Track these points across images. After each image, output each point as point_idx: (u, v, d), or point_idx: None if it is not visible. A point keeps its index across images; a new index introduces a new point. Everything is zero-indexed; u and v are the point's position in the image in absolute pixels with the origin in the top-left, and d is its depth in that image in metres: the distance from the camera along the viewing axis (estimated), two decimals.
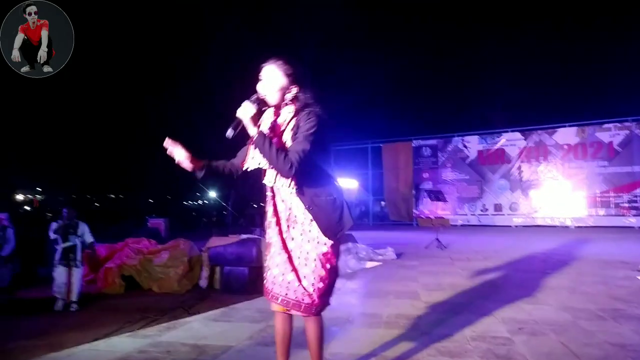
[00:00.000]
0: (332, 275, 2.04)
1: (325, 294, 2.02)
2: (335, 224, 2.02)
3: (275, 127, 2.04)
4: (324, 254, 2.00)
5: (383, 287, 5.00)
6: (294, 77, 2.05)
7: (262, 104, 2.02)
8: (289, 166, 1.88)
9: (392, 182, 19.35)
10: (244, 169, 2.12)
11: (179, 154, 2.09)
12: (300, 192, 2.00)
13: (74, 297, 5.10)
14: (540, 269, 6.02)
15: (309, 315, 2.01)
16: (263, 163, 2.01)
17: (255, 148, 1.99)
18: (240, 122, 1.95)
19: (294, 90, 2.05)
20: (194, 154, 2.14)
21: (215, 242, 6.55)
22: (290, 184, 1.98)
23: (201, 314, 4.08)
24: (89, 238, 5.66)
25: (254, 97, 1.99)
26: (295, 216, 2.04)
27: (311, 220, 2.01)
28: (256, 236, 6.81)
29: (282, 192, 2.06)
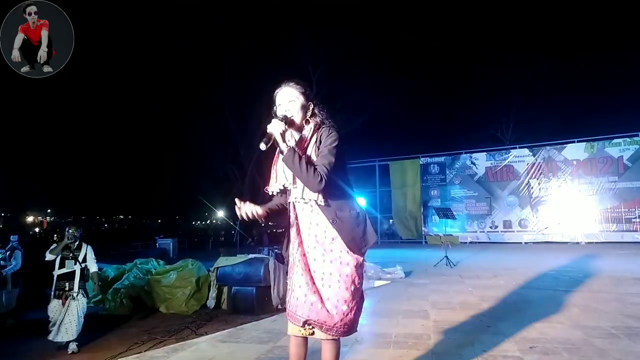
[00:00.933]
0: (356, 297, 2.00)
1: (349, 316, 1.98)
2: (360, 238, 2.02)
3: (298, 145, 2.06)
4: (347, 275, 1.98)
5: (392, 307, 4.95)
6: (309, 95, 2.12)
7: (288, 123, 2.04)
8: (318, 179, 1.90)
9: (400, 200, 19.28)
10: (269, 193, 2.16)
11: (251, 209, 2.14)
12: (325, 205, 2.01)
13: (71, 335, 4.23)
14: (552, 286, 5.93)
15: (332, 337, 1.99)
16: (288, 183, 2.06)
17: (284, 163, 2.00)
18: (271, 136, 1.97)
19: (311, 107, 2.10)
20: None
21: (223, 262, 6.55)
22: (318, 198, 1.99)
23: (209, 334, 4.06)
24: (93, 266, 4.74)
25: (281, 115, 2.03)
26: (316, 235, 2.03)
27: (332, 240, 2.00)
28: (264, 256, 6.80)
29: (305, 211, 2.06)
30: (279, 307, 6.57)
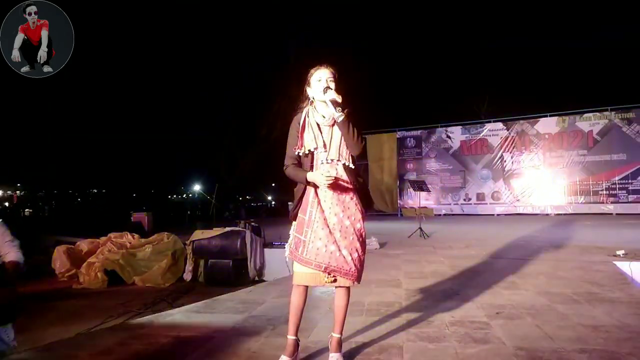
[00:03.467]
0: (364, 248, 2.45)
1: (361, 263, 2.41)
2: (369, 199, 2.56)
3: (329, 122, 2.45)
4: (359, 229, 2.42)
5: (365, 276, 5.01)
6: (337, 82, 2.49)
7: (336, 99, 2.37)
8: (362, 144, 2.40)
9: (377, 173, 19.45)
10: (296, 153, 2.45)
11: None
12: (352, 168, 2.44)
13: None
14: (520, 256, 6.14)
15: (350, 282, 2.37)
16: (319, 147, 2.41)
17: (339, 125, 2.38)
18: (340, 103, 2.35)
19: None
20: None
21: (199, 235, 6.54)
22: (349, 160, 2.42)
23: (184, 306, 4.08)
24: (10, 254, 2.92)
25: (334, 89, 2.39)
26: (339, 193, 2.42)
27: (351, 199, 2.44)
28: (240, 229, 6.81)
29: (330, 173, 2.39)
30: (256, 278, 6.64)
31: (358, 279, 2.39)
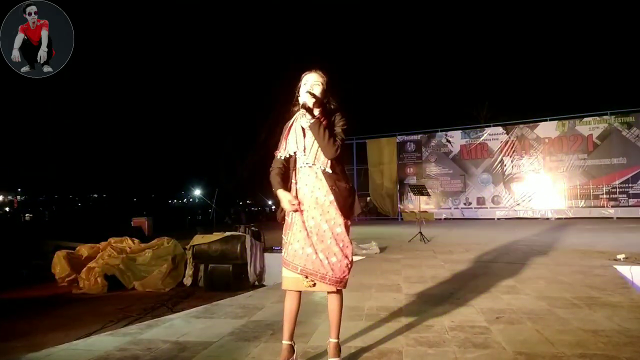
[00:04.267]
0: (344, 254, 2.41)
1: (338, 268, 2.38)
2: (349, 207, 2.46)
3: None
4: (338, 234, 2.41)
5: (365, 281, 5.05)
6: (328, 86, 2.55)
7: (315, 99, 2.42)
8: (336, 147, 2.38)
9: (377, 177, 19.45)
10: (278, 157, 2.51)
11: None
12: (329, 173, 2.43)
13: None
14: (520, 260, 6.13)
15: (327, 285, 2.36)
16: (299, 151, 2.45)
17: (311, 129, 2.40)
18: (304, 104, 2.40)
19: (329, 95, 2.55)
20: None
21: (199, 239, 6.53)
22: (327, 165, 2.42)
23: (184, 311, 4.07)
24: None
25: (312, 91, 2.43)
26: (317, 198, 2.42)
27: (330, 203, 2.42)
28: (240, 233, 6.80)
29: (310, 177, 2.45)
30: (256, 283, 6.63)
31: (338, 284, 2.39)
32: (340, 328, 2.52)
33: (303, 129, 2.48)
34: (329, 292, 2.44)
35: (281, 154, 2.51)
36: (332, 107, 2.56)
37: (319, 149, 2.40)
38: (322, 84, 2.51)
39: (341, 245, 2.41)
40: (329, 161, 2.43)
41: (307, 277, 2.36)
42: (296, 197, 2.44)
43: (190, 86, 23.01)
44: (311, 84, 2.49)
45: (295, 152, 2.47)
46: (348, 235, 2.47)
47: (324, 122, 2.41)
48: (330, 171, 2.44)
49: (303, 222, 2.41)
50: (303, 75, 2.54)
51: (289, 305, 2.44)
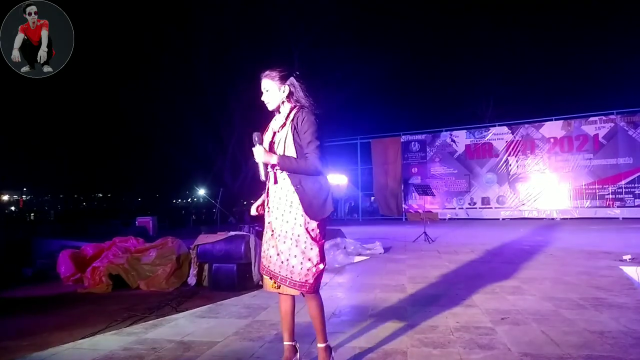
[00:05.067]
0: (307, 257, 2.27)
1: (299, 271, 2.26)
2: (318, 207, 2.28)
3: (279, 126, 2.37)
4: (299, 235, 2.27)
5: (370, 281, 5.04)
6: (284, 76, 2.36)
7: (262, 140, 2.34)
8: (314, 167, 2.24)
9: (381, 177, 19.43)
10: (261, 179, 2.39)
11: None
12: (294, 175, 2.29)
13: None
14: (526, 260, 6.11)
15: (289, 287, 2.28)
16: (266, 148, 2.34)
17: (281, 170, 2.30)
18: (265, 165, 2.30)
19: (287, 89, 2.36)
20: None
21: (204, 239, 6.53)
22: None
23: (188, 311, 4.08)
24: None
25: (255, 139, 2.29)
26: (279, 198, 2.34)
27: (292, 203, 2.29)
28: (245, 233, 6.80)
29: (279, 176, 2.35)
30: (260, 283, 6.62)
31: (301, 288, 2.26)
32: (344, 328, 2.52)
33: (274, 132, 2.39)
34: (304, 296, 2.32)
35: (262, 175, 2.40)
36: (294, 100, 2.37)
37: (285, 150, 2.28)
38: (272, 85, 2.36)
39: (303, 247, 2.26)
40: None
41: (271, 279, 2.33)
42: (267, 196, 2.41)
43: (195, 86, 23.02)
44: (262, 93, 2.39)
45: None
46: (317, 236, 2.31)
47: (283, 123, 2.32)
48: (285, 174, 2.33)
49: (270, 222, 2.38)
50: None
51: (282, 306, 2.41)
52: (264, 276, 2.39)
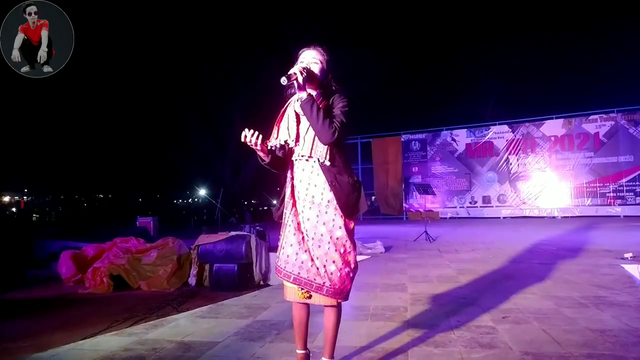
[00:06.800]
0: (345, 260, 2.09)
1: (337, 277, 2.06)
2: (353, 205, 2.10)
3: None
4: (338, 238, 2.08)
5: (370, 280, 5.04)
6: (329, 64, 2.21)
7: (308, 75, 2.05)
8: (332, 130, 1.97)
9: (382, 177, 19.43)
10: (269, 147, 2.16)
11: (256, 136, 2.07)
12: (328, 166, 2.07)
13: None
14: (527, 259, 6.10)
15: (325, 296, 2.06)
16: (290, 140, 2.11)
17: (302, 108, 2.04)
18: (294, 75, 1.98)
19: (329, 75, 2.21)
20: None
21: (204, 239, 6.53)
22: (325, 156, 2.05)
23: (189, 311, 4.08)
24: None
25: (306, 64, 2.11)
26: (313, 196, 2.10)
27: (329, 202, 2.08)
28: (246, 233, 6.80)
29: (305, 171, 2.12)
30: (261, 283, 6.62)
31: (338, 295, 2.06)
32: (345, 328, 2.50)
33: (297, 115, 2.12)
34: (325, 306, 2.12)
35: (272, 142, 2.16)
36: (334, 88, 2.19)
37: (316, 137, 2.04)
38: (321, 62, 2.17)
39: (342, 250, 2.07)
40: (328, 152, 2.05)
41: (302, 288, 2.07)
42: (292, 195, 2.15)
43: (195, 85, 23.03)
44: (308, 62, 2.15)
45: (285, 142, 2.14)
46: (351, 238, 2.13)
47: (318, 102, 2.05)
48: (329, 164, 2.07)
49: (298, 223, 2.11)
50: (300, 52, 2.22)
51: (295, 314, 2.22)
52: (287, 284, 2.12)
